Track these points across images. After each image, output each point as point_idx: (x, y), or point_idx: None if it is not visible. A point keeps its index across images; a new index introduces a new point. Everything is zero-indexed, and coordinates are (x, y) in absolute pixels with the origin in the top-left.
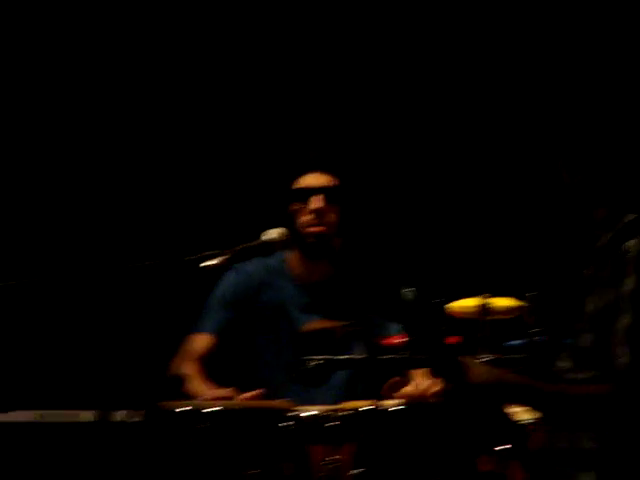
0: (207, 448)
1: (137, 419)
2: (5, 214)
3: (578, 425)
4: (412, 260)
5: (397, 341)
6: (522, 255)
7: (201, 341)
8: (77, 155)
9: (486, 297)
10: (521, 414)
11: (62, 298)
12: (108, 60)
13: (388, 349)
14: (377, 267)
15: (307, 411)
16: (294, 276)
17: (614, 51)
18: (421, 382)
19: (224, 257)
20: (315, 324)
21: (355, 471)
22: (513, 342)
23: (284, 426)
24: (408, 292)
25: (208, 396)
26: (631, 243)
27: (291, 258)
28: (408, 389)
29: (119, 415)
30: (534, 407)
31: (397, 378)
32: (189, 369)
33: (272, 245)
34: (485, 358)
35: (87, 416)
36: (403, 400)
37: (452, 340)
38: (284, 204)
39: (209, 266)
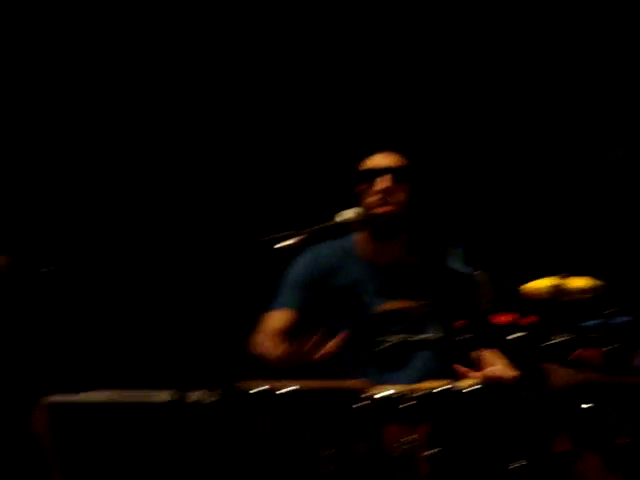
0: (282, 428)
1: (212, 400)
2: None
3: None
4: (485, 240)
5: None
6: (599, 234)
7: (280, 317)
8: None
9: (561, 277)
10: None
11: (142, 278)
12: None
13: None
14: (449, 247)
15: (382, 391)
16: (365, 258)
17: None
18: (496, 365)
19: (299, 238)
20: (389, 305)
21: (430, 451)
22: (589, 322)
23: (359, 406)
24: (480, 274)
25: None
26: None
27: (361, 240)
28: (484, 370)
29: (195, 395)
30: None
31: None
32: (269, 344)
33: (347, 226)
34: (560, 339)
35: (163, 396)
36: (478, 381)
37: (526, 321)
38: (352, 185)
39: (284, 247)
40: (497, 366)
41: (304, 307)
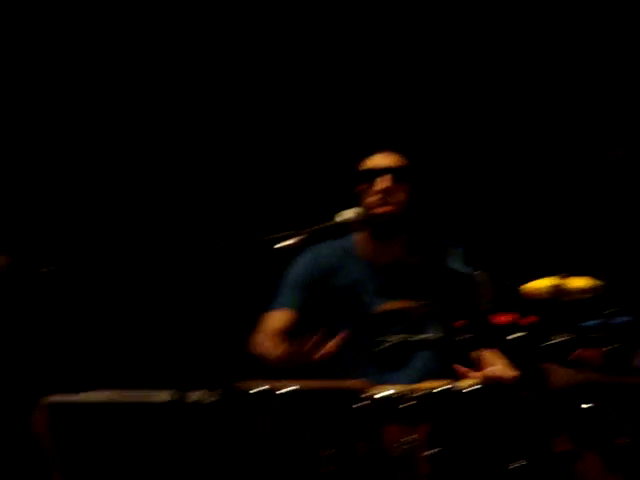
0: (282, 429)
1: (212, 400)
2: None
3: None
4: (485, 240)
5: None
6: (599, 234)
7: (280, 317)
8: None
9: (561, 277)
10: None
11: (140, 278)
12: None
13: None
14: (449, 247)
15: (382, 391)
16: (365, 258)
17: None
18: (496, 365)
19: (299, 238)
20: (389, 305)
21: (430, 451)
22: (589, 322)
23: (359, 406)
24: (480, 274)
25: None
26: None
27: (361, 240)
28: (484, 370)
29: (195, 395)
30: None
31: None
32: (269, 344)
33: (347, 226)
34: (560, 339)
35: (163, 396)
36: (478, 381)
37: (526, 321)
38: (352, 185)
39: (284, 247)
40: (497, 366)
41: (304, 307)
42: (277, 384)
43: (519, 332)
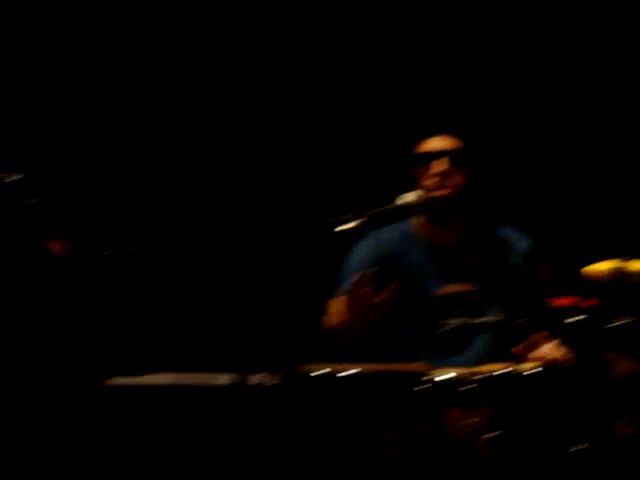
0: (343, 412)
1: (274, 383)
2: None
3: None
4: (547, 222)
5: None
6: None
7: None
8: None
9: (623, 260)
10: None
11: (202, 261)
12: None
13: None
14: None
15: (443, 374)
16: (424, 242)
17: None
18: (543, 347)
19: (359, 221)
20: (450, 289)
21: (491, 434)
22: None
23: (420, 389)
24: (541, 257)
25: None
26: None
27: (419, 223)
28: (543, 352)
29: (256, 378)
30: None
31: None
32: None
33: (407, 209)
34: (622, 322)
35: (224, 379)
36: (539, 363)
37: (587, 303)
38: (409, 169)
39: (345, 230)
40: (544, 349)
41: None
42: (338, 367)
43: (580, 315)
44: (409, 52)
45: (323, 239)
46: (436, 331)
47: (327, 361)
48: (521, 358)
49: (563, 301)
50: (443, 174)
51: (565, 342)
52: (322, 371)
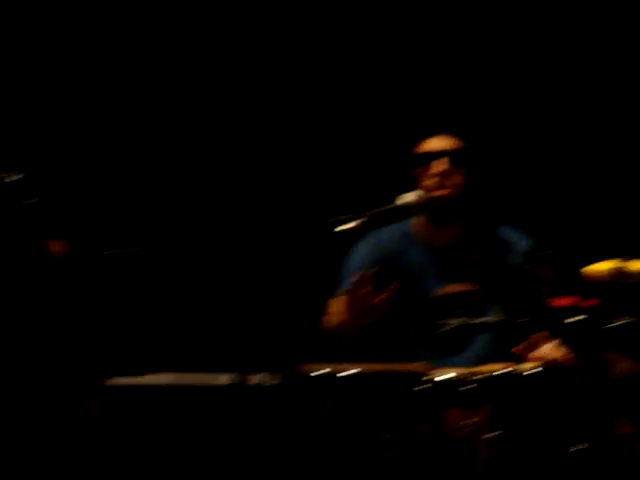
0: (343, 412)
1: (274, 382)
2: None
3: None
4: (546, 223)
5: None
6: None
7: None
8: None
9: (623, 260)
10: None
11: (201, 260)
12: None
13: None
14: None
15: (443, 374)
16: (424, 242)
17: None
18: (543, 347)
19: (359, 221)
20: (450, 289)
21: (491, 434)
22: None
23: (420, 389)
24: (541, 257)
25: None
26: None
27: (419, 223)
28: (543, 352)
29: (256, 378)
30: None
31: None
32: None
33: (407, 209)
34: (622, 322)
35: (224, 379)
36: (539, 363)
37: (587, 303)
38: (409, 169)
39: (345, 230)
40: (543, 349)
41: None
42: (338, 367)
43: (580, 315)
44: (408, 52)
45: (323, 239)
46: (436, 331)
47: (327, 361)
48: (521, 358)
49: (563, 301)
50: (443, 174)
51: (565, 342)
52: (322, 371)
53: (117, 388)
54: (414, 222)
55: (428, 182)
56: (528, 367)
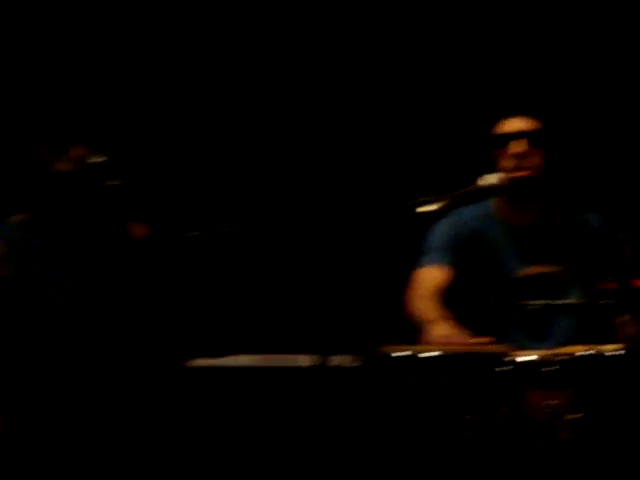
0: (424, 393)
1: (355, 364)
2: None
3: None
4: (629, 203)
5: None
6: None
7: (434, 274)
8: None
9: None
10: None
11: (284, 242)
12: None
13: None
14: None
15: (525, 356)
16: (504, 222)
17: None
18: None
19: (441, 203)
20: (532, 269)
21: (572, 416)
22: None
23: (502, 371)
24: (623, 237)
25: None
26: None
27: (499, 204)
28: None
29: (337, 360)
30: None
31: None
32: (422, 305)
33: (488, 190)
34: None
35: (306, 361)
36: (622, 345)
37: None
38: (488, 150)
39: (427, 211)
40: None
41: (454, 266)
42: (419, 348)
43: None
44: (493, 34)
45: (406, 221)
46: (517, 312)
47: (409, 343)
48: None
49: None
50: (522, 155)
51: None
52: (403, 353)
53: (198, 369)
54: (494, 202)
55: (507, 163)
56: (610, 349)
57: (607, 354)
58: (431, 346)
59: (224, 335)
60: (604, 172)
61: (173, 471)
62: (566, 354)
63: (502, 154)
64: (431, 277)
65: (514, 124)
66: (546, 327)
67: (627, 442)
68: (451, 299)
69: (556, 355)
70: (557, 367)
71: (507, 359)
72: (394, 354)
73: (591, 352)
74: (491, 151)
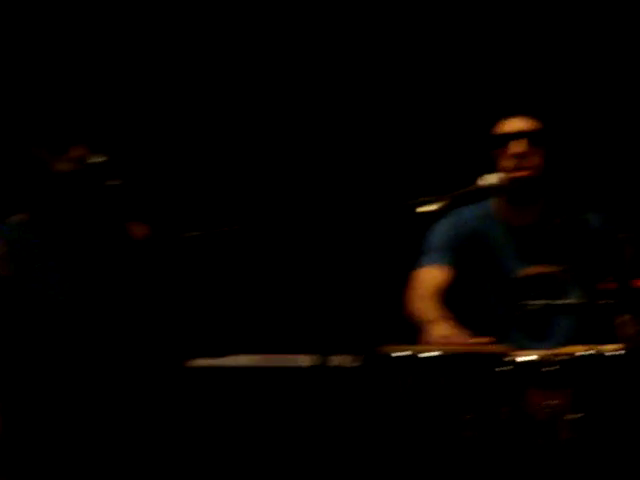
0: (424, 393)
1: (355, 364)
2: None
3: None
4: (629, 203)
5: None
6: None
7: (434, 274)
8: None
9: None
10: None
11: (282, 242)
12: None
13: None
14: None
15: (524, 356)
16: (504, 222)
17: None
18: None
19: (441, 203)
20: (531, 269)
21: (573, 416)
22: None
23: (501, 371)
24: (623, 237)
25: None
26: None
27: (499, 204)
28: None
29: (337, 360)
30: None
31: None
32: (422, 305)
33: (487, 190)
34: None
35: (306, 361)
36: (622, 345)
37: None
38: (487, 150)
39: (427, 211)
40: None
41: (454, 266)
42: (419, 348)
43: None
44: (491, 33)
45: (405, 221)
46: (517, 312)
47: (408, 342)
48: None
49: None
50: (521, 155)
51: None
52: (403, 353)
53: (198, 369)
54: (494, 202)
55: (507, 163)
56: (610, 349)
57: (607, 354)
58: (431, 346)
59: (224, 335)
60: (604, 172)
61: (173, 471)
62: (566, 354)
63: (502, 154)
64: (431, 277)
65: (514, 124)
66: (546, 327)
67: (627, 442)
68: (451, 299)
69: (556, 355)
70: (557, 367)
71: (507, 359)
72: (394, 354)
73: (591, 352)
74: (491, 151)
